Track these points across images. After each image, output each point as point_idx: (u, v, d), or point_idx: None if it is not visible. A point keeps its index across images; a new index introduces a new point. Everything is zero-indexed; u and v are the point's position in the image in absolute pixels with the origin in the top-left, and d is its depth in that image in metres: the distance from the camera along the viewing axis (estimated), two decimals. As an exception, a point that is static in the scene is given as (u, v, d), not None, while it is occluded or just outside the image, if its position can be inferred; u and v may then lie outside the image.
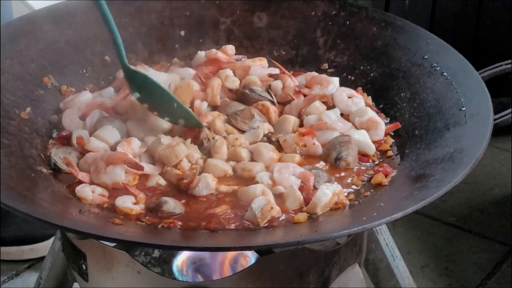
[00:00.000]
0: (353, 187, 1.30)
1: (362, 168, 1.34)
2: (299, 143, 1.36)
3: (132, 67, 1.41)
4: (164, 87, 1.40)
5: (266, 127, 1.39)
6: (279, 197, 1.24)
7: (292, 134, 1.37)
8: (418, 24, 1.59)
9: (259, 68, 1.54)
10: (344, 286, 1.35)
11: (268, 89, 1.49)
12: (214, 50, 1.56)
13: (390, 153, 1.38)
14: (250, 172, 1.29)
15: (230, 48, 1.59)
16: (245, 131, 1.38)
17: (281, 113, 1.45)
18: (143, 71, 1.43)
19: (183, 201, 1.23)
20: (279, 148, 1.37)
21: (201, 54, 1.58)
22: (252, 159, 1.34)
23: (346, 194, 1.27)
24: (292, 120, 1.41)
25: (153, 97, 1.38)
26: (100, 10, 1.37)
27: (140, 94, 1.39)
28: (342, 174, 1.32)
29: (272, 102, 1.45)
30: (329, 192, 1.22)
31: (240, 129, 1.39)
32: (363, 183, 1.30)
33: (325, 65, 1.59)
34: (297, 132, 1.37)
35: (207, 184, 1.25)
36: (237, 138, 1.35)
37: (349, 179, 1.31)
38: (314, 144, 1.36)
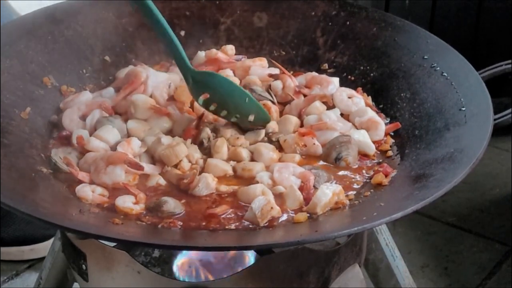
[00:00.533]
0: (355, 185, 1.30)
1: (364, 164, 1.35)
2: (299, 143, 1.36)
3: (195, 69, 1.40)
4: (234, 83, 1.40)
5: (271, 126, 1.39)
6: (279, 197, 1.24)
7: (292, 134, 1.38)
8: (418, 24, 1.59)
9: (259, 68, 1.54)
10: (344, 286, 1.35)
11: (268, 89, 1.49)
12: (214, 50, 1.56)
13: (390, 153, 1.38)
14: (250, 172, 1.29)
15: (230, 48, 1.59)
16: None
17: (281, 113, 1.45)
18: (209, 70, 1.43)
19: (183, 201, 1.23)
20: (279, 148, 1.37)
21: (201, 54, 1.58)
22: (252, 159, 1.34)
23: (346, 194, 1.27)
24: (294, 120, 1.41)
25: (222, 95, 1.37)
26: (146, 11, 1.34)
27: (207, 95, 1.37)
28: (343, 172, 1.32)
29: (273, 102, 1.45)
30: (329, 192, 1.23)
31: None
32: (365, 180, 1.30)
33: (325, 65, 1.59)
34: (297, 132, 1.38)
35: (207, 184, 1.25)
36: (237, 138, 1.35)
37: (350, 175, 1.31)
38: (314, 144, 1.36)
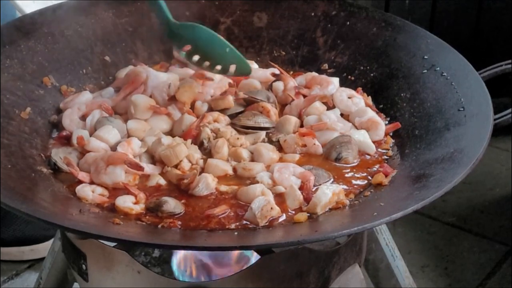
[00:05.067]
0: (358, 181, 1.30)
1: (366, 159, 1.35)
2: (299, 143, 1.36)
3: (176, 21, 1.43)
4: (215, 33, 1.43)
5: (294, 122, 1.41)
6: (279, 197, 1.24)
7: (293, 135, 1.38)
8: (418, 24, 1.59)
9: (259, 69, 1.54)
10: (344, 286, 1.35)
11: (269, 89, 1.49)
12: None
13: (390, 153, 1.38)
14: (251, 172, 1.29)
15: None
16: (249, 128, 1.39)
17: (281, 114, 1.45)
18: (189, 22, 1.46)
19: (183, 201, 1.23)
20: (280, 148, 1.37)
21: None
22: (253, 160, 1.34)
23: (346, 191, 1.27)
24: (293, 120, 1.41)
25: (204, 46, 1.42)
26: None
27: (188, 46, 1.41)
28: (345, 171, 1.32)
29: (271, 103, 1.45)
30: (329, 192, 1.23)
31: (244, 125, 1.39)
32: (365, 181, 1.30)
33: (325, 66, 1.59)
34: (297, 133, 1.38)
35: (207, 185, 1.25)
36: (238, 138, 1.35)
37: (351, 174, 1.31)
38: (314, 144, 1.36)
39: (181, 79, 1.49)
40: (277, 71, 1.52)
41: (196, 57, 1.44)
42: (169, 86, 1.45)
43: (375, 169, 1.33)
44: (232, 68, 1.43)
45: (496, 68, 1.51)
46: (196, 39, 1.43)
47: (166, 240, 1.16)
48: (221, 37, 1.44)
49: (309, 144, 1.36)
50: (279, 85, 1.49)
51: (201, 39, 1.42)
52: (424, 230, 2.30)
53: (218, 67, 1.45)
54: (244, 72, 1.45)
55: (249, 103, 1.45)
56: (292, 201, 1.24)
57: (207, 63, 1.44)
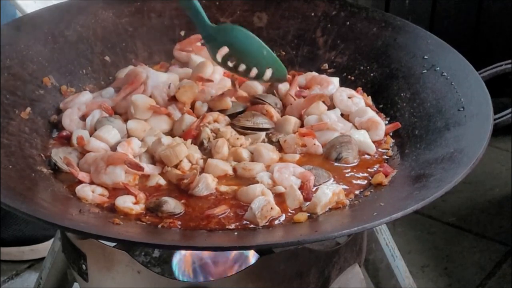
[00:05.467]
0: (358, 181, 1.30)
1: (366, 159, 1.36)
2: (299, 144, 1.36)
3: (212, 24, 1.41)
4: (253, 35, 1.40)
5: (293, 122, 1.41)
6: (279, 197, 1.24)
7: (293, 135, 1.38)
8: (418, 24, 1.59)
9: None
10: (344, 286, 1.35)
11: (274, 91, 1.48)
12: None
13: (390, 153, 1.38)
14: (251, 172, 1.29)
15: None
16: (248, 128, 1.39)
17: (282, 114, 1.45)
18: (228, 24, 1.45)
19: (183, 201, 1.23)
20: (280, 148, 1.37)
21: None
22: (253, 160, 1.34)
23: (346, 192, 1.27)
24: (293, 121, 1.41)
25: (241, 48, 1.39)
26: None
27: (225, 49, 1.39)
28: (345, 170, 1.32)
29: (278, 108, 1.45)
30: (329, 192, 1.23)
31: (243, 126, 1.39)
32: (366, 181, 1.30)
33: (325, 65, 1.59)
34: (297, 133, 1.38)
35: (207, 185, 1.25)
36: (238, 138, 1.35)
37: (351, 174, 1.31)
38: (314, 144, 1.36)
39: (181, 79, 1.50)
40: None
41: (230, 63, 1.40)
42: (169, 86, 1.45)
43: (375, 169, 1.33)
44: (268, 72, 1.40)
45: (496, 68, 1.51)
46: (233, 41, 1.39)
47: (166, 240, 1.16)
48: (258, 39, 1.41)
49: (309, 144, 1.36)
50: (285, 86, 1.48)
51: (238, 41, 1.39)
52: (424, 230, 2.30)
53: (254, 71, 1.41)
54: (281, 76, 1.42)
55: (252, 103, 1.45)
56: (292, 201, 1.24)
57: (243, 67, 1.40)
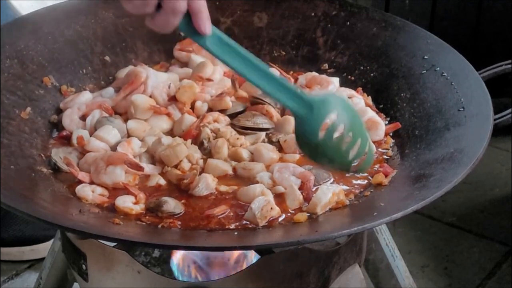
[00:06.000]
0: (358, 181, 1.30)
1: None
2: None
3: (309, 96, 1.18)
4: (354, 109, 1.22)
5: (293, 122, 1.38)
6: (279, 197, 1.24)
7: (292, 135, 1.37)
8: (418, 24, 1.59)
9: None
10: (344, 286, 1.34)
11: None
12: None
13: (390, 153, 1.38)
14: (251, 172, 1.29)
15: None
16: (248, 128, 1.39)
17: (282, 114, 1.45)
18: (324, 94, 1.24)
19: (183, 201, 1.23)
20: (280, 148, 1.37)
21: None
22: (253, 160, 1.34)
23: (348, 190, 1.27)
24: (293, 120, 1.41)
25: (345, 118, 1.18)
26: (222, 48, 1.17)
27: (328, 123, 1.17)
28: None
29: (278, 108, 1.45)
30: (329, 192, 1.22)
31: (243, 126, 1.39)
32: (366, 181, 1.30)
33: (325, 66, 1.59)
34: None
35: (207, 185, 1.25)
36: (237, 138, 1.35)
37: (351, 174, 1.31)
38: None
39: (181, 79, 1.49)
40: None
41: (336, 134, 1.18)
42: (169, 86, 1.45)
43: (375, 169, 1.33)
44: (355, 162, 1.22)
45: (496, 68, 1.51)
46: (337, 111, 1.18)
47: (166, 240, 1.16)
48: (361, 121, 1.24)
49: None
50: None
51: (343, 110, 1.18)
52: (424, 230, 2.30)
53: (358, 143, 1.20)
54: (366, 167, 1.25)
55: (253, 103, 1.45)
56: (292, 201, 1.24)
57: (349, 138, 1.19)
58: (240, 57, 1.18)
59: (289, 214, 1.22)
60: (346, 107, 1.22)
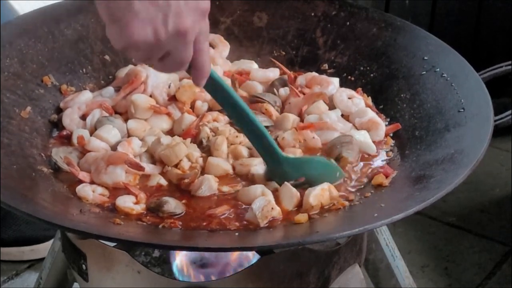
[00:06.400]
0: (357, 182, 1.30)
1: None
2: (298, 139, 1.36)
3: (284, 154, 1.28)
4: (330, 162, 1.30)
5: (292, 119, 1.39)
6: (279, 197, 1.24)
7: (290, 131, 1.37)
8: (418, 24, 1.59)
9: (260, 70, 1.54)
10: (344, 286, 1.35)
11: (274, 90, 1.48)
12: (212, 50, 1.56)
13: (390, 154, 1.38)
14: (248, 168, 1.29)
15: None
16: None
17: (281, 112, 1.45)
18: (303, 156, 1.33)
19: (184, 201, 1.23)
20: (279, 146, 1.36)
21: None
22: (252, 157, 1.33)
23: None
24: (292, 118, 1.41)
25: (316, 175, 1.27)
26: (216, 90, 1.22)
27: (302, 179, 1.26)
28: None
29: (277, 106, 1.45)
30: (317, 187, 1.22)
31: None
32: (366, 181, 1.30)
33: (325, 66, 1.59)
34: (295, 128, 1.37)
35: (210, 187, 1.25)
36: (236, 136, 1.35)
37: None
38: (313, 138, 1.36)
39: (181, 79, 1.49)
40: (275, 74, 1.52)
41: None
42: (169, 86, 1.45)
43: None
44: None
45: (496, 69, 1.52)
46: (308, 171, 1.27)
47: (166, 240, 1.16)
48: (332, 162, 1.31)
49: (308, 138, 1.36)
50: (285, 92, 1.48)
51: (315, 170, 1.28)
52: (424, 230, 2.30)
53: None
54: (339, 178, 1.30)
55: (252, 102, 1.45)
56: (288, 200, 1.23)
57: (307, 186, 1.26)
58: (230, 98, 1.23)
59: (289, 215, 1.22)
60: (317, 168, 1.29)
